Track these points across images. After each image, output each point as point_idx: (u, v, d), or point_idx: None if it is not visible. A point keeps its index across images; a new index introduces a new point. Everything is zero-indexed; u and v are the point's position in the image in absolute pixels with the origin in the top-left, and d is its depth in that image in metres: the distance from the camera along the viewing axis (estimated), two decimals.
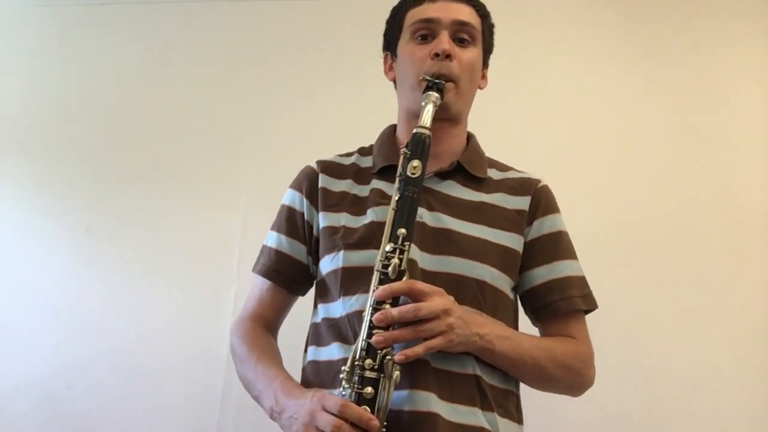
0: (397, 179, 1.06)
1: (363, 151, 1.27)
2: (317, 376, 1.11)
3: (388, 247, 1.00)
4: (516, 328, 1.18)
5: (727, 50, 1.99)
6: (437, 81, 1.12)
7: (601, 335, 1.81)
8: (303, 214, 1.21)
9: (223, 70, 2.15)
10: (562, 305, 1.16)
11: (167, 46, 2.19)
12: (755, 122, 1.94)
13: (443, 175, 1.18)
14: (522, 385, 1.17)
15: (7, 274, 2.05)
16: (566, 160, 1.96)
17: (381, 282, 0.99)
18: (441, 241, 1.10)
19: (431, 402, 1.01)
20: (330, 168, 1.24)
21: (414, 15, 1.20)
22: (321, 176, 1.22)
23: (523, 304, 1.21)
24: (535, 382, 1.14)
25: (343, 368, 0.97)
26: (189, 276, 1.98)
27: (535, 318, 1.20)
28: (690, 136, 1.95)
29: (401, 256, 0.99)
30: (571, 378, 1.16)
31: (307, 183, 1.23)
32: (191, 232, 2.01)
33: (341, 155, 1.28)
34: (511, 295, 1.16)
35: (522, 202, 1.19)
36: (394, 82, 1.27)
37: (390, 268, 0.99)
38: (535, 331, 1.21)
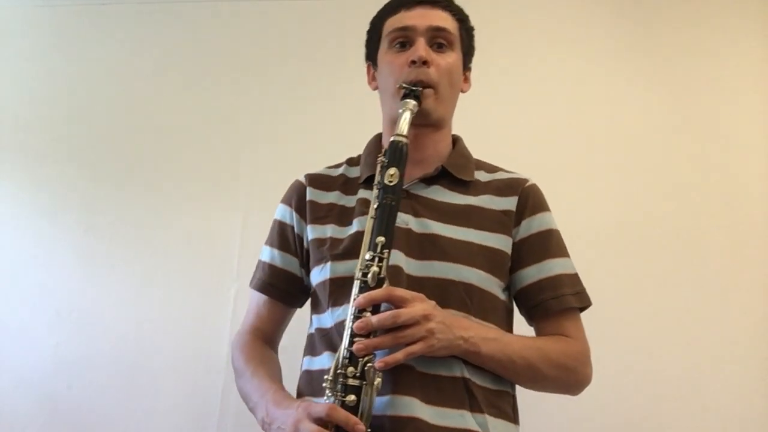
0: (375, 188, 1.06)
1: (351, 162, 1.29)
2: (309, 385, 1.13)
3: (367, 256, 1.01)
4: (510, 329, 1.18)
5: (727, 50, 1.99)
6: (414, 88, 1.13)
7: (600, 335, 1.81)
8: (293, 227, 1.23)
9: (223, 70, 2.15)
10: (554, 304, 1.16)
11: (167, 46, 2.19)
12: (755, 122, 1.94)
13: (429, 181, 1.19)
14: (524, 387, 1.17)
15: (7, 274, 2.05)
16: (566, 160, 1.96)
17: (361, 290, 1.00)
18: (427, 247, 1.11)
19: (414, 406, 1.02)
20: (317, 181, 1.26)
21: (391, 24, 1.21)
22: (309, 189, 1.24)
23: (517, 305, 1.21)
24: (528, 382, 1.14)
25: (326, 377, 0.99)
26: (189, 276, 1.98)
27: (529, 318, 1.20)
28: (690, 136, 1.95)
29: (380, 264, 1.00)
30: (566, 377, 1.16)
31: (296, 197, 1.25)
32: (191, 232, 2.01)
33: (330, 167, 1.30)
34: (502, 297, 1.16)
35: (509, 203, 1.19)
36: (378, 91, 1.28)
37: (369, 276, 1.00)
38: (531, 332, 1.21)
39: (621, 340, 1.81)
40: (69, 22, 2.24)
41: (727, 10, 2.00)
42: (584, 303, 1.20)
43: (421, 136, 1.17)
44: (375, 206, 1.05)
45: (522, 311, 1.21)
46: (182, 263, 1.99)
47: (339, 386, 0.97)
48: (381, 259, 1.00)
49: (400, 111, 1.11)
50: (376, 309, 1.00)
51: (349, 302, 1.04)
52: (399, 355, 0.98)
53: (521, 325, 1.22)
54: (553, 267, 1.17)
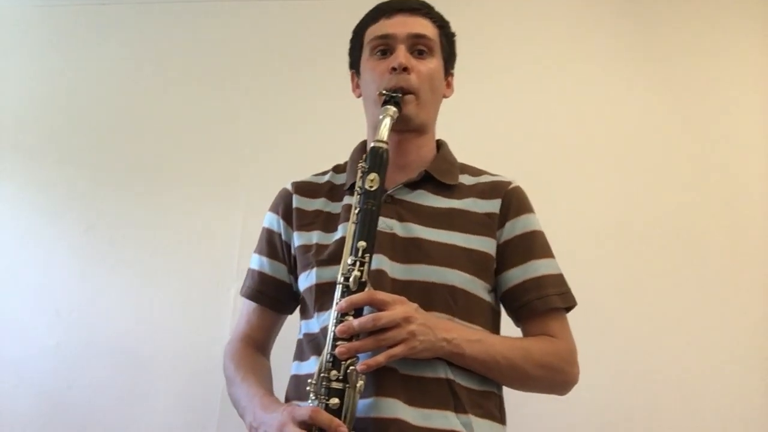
0: (356, 193, 1.08)
1: (337, 169, 1.30)
2: (297, 390, 1.14)
3: (349, 260, 1.03)
4: (497, 330, 1.19)
5: (726, 50, 1.99)
6: (393, 95, 1.14)
7: (600, 335, 1.83)
8: (281, 235, 1.25)
9: (223, 70, 2.15)
10: (539, 304, 1.16)
11: (167, 46, 2.19)
12: (755, 122, 1.94)
13: (413, 185, 1.20)
14: (511, 387, 1.17)
15: (7, 274, 2.05)
16: (567, 161, 1.96)
17: (343, 294, 1.02)
18: (411, 250, 1.12)
19: (396, 408, 1.03)
20: (304, 188, 1.27)
21: (372, 32, 1.23)
22: (295, 197, 1.26)
23: (504, 307, 1.22)
24: (514, 382, 1.15)
25: (309, 380, 1.00)
26: (189, 276, 1.98)
27: (516, 319, 1.21)
28: (690, 136, 1.95)
29: (362, 268, 1.02)
30: (552, 376, 1.16)
31: (283, 205, 1.26)
32: (191, 232, 2.01)
33: (316, 174, 1.31)
34: (487, 299, 1.17)
35: (492, 205, 1.20)
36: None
37: (351, 280, 1.01)
38: (519, 333, 1.21)
39: (621, 340, 1.82)
40: (69, 22, 2.24)
41: (727, 10, 2.00)
42: (569, 303, 1.20)
43: (404, 142, 1.19)
44: (356, 211, 1.06)
45: (508, 312, 1.22)
46: (182, 263, 1.99)
47: (322, 389, 0.98)
48: (362, 264, 1.02)
49: (381, 117, 1.12)
50: (358, 313, 1.01)
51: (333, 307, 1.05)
52: (380, 358, 0.99)
53: (509, 327, 1.22)
54: (537, 268, 1.18)
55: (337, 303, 1.02)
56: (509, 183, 1.24)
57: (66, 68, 2.20)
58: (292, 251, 1.23)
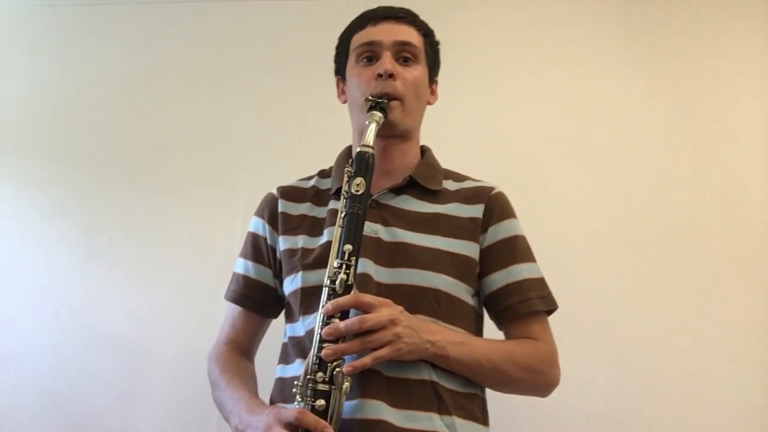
0: (342, 197, 1.09)
1: (322, 174, 1.32)
2: (282, 392, 1.15)
3: (335, 264, 1.04)
4: (479, 334, 1.21)
5: (726, 51, 1.99)
6: (379, 100, 1.16)
7: (600, 335, 1.83)
8: (266, 239, 1.26)
9: (223, 70, 2.15)
10: (521, 307, 1.18)
11: (167, 47, 2.19)
12: (755, 122, 1.94)
13: (397, 191, 1.22)
14: (493, 389, 1.19)
15: (7, 274, 2.05)
16: (567, 161, 1.96)
17: (330, 297, 1.03)
18: (396, 255, 1.14)
19: (381, 410, 1.04)
20: (289, 193, 1.28)
21: (358, 39, 1.25)
22: (280, 201, 1.27)
23: (486, 310, 1.24)
24: (497, 384, 1.17)
25: (296, 382, 1.01)
26: (189, 276, 1.98)
27: (498, 322, 1.23)
28: (690, 137, 1.95)
29: (348, 271, 1.03)
30: (533, 378, 1.18)
31: (268, 209, 1.28)
32: (191, 232, 2.01)
33: (302, 179, 1.33)
34: (470, 302, 1.19)
35: (475, 210, 1.22)
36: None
37: (337, 283, 1.02)
38: (501, 337, 1.23)
39: (621, 340, 1.82)
40: (69, 22, 2.24)
41: (727, 11, 2.00)
42: (550, 306, 1.22)
43: (389, 147, 1.21)
44: (342, 215, 1.07)
45: (491, 315, 1.24)
46: (182, 263, 1.99)
47: (309, 391, 0.99)
48: (348, 267, 1.03)
49: (367, 122, 1.14)
50: (344, 315, 1.03)
51: (318, 310, 1.06)
52: (366, 360, 1.00)
53: (491, 331, 1.24)
54: (519, 272, 1.20)
55: (323, 306, 1.03)
56: (492, 188, 1.26)
57: (66, 68, 2.20)
58: (278, 255, 1.24)
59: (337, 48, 1.32)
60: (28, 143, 2.15)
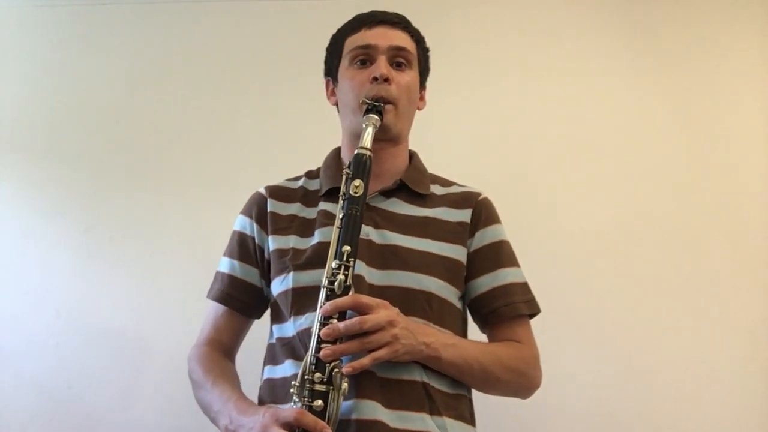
0: (341, 199, 1.10)
1: (310, 175, 1.32)
2: (271, 393, 1.15)
3: (333, 264, 1.05)
4: (465, 336, 1.22)
5: (726, 51, 1.99)
6: (377, 104, 1.17)
7: (600, 335, 1.83)
8: (254, 238, 1.26)
9: (223, 70, 2.15)
10: (507, 311, 1.21)
11: (167, 46, 2.19)
12: (755, 122, 1.94)
13: (387, 194, 1.23)
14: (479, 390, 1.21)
15: (7, 275, 2.04)
16: (567, 161, 1.97)
17: (328, 298, 1.04)
18: (387, 257, 1.15)
19: (376, 410, 1.05)
20: (278, 193, 1.29)
21: (353, 42, 1.25)
22: (269, 201, 1.27)
23: (471, 313, 1.25)
24: (484, 386, 1.19)
25: (293, 383, 1.01)
26: (189, 276, 1.97)
27: (482, 325, 1.25)
28: (690, 136, 1.96)
29: (346, 272, 1.04)
30: (518, 380, 1.20)
31: (256, 208, 1.28)
32: (191, 231, 2.01)
33: (289, 179, 1.33)
34: (458, 305, 1.21)
35: (464, 215, 1.24)
36: (337, 106, 1.32)
37: (336, 284, 1.03)
38: (484, 339, 1.25)
39: (620, 340, 1.82)
40: (69, 22, 2.23)
41: (726, 10, 2.00)
42: (534, 310, 1.25)
43: (380, 151, 1.21)
44: (340, 216, 1.08)
45: (475, 318, 1.26)
46: (182, 263, 1.99)
47: (306, 392, 1.00)
48: (347, 268, 1.04)
49: (364, 125, 1.15)
50: (341, 316, 1.03)
51: (312, 311, 1.07)
52: (365, 361, 1.01)
53: (473, 333, 1.26)
54: (505, 276, 1.22)
55: (321, 306, 1.03)
56: (479, 194, 1.29)
57: (66, 68, 2.20)
58: (266, 255, 1.23)
59: (329, 49, 1.33)
60: (27, 143, 2.15)
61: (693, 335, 1.81)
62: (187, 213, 2.02)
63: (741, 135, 1.94)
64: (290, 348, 1.15)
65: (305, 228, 1.21)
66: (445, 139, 1.97)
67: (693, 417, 1.76)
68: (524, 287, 1.25)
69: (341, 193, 1.11)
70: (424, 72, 1.32)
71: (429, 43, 1.33)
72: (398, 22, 1.27)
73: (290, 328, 1.15)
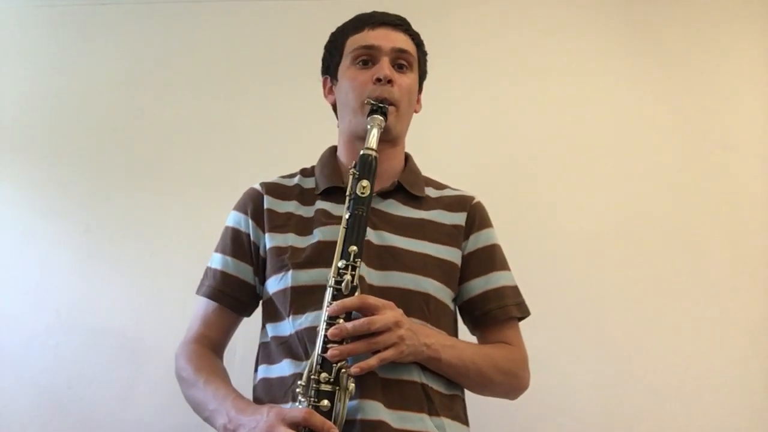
0: (347, 198, 1.10)
1: (305, 173, 1.32)
2: (268, 393, 1.14)
3: (340, 264, 1.05)
4: (456, 337, 1.23)
5: (726, 51, 1.99)
6: (381, 105, 1.17)
7: (600, 336, 1.83)
8: (249, 235, 1.25)
9: (223, 70, 2.15)
10: (499, 313, 1.23)
11: (167, 46, 2.19)
12: (755, 122, 1.94)
13: (384, 195, 1.23)
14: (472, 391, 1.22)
15: (7, 275, 2.04)
16: (567, 161, 1.97)
17: (334, 298, 1.03)
18: (386, 258, 1.15)
19: (379, 410, 1.05)
20: (274, 190, 1.28)
21: (355, 41, 1.25)
22: (266, 198, 1.26)
23: (461, 314, 1.27)
24: (477, 387, 1.20)
25: (299, 383, 1.01)
26: (189, 276, 1.96)
27: (473, 326, 1.26)
28: (690, 137, 1.96)
29: (353, 273, 1.04)
30: (509, 382, 1.21)
31: (252, 205, 1.27)
32: (191, 231, 2.01)
33: (284, 177, 1.33)
34: (451, 307, 1.22)
35: (459, 218, 1.25)
36: (333, 105, 1.32)
37: (343, 285, 1.03)
38: (473, 340, 1.27)
39: (620, 340, 1.82)
40: (69, 22, 2.23)
41: (726, 10, 2.00)
42: (524, 313, 1.27)
43: (380, 152, 1.21)
44: (347, 216, 1.08)
45: (465, 320, 1.27)
46: (182, 263, 1.99)
47: (312, 391, 0.99)
48: (354, 268, 1.04)
49: (369, 126, 1.16)
50: (347, 316, 1.03)
51: (312, 310, 1.08)
52: (373, 361, 1.02)
53: (462, 333, 1.27)
54: (498, 279, 1.24)
55: (328, 306, 1.03)
56: (473, 198, 1.30)
57: (66, 68, 2.20)
58: (261, 253, 1.23)
59: (329, 47, 1.33)
60: (27, 143, 2.15)
61: (693, 335, 1.80)
62: (187, 213, 2.02)
63: (741, 135, 1.94)
64: (287, 347, 1.14)
65: (303, 226, 1.21)
66: (445, 140, 1.97)
67: (693, 417, 1.76)
68: (515, 290, 1.27)
69: (347, 193, 1.11)
70: (422, 75, 1.33)
71: (427, 43, 1.34)
72: (400, 24, 1.28)
73: (287, 326, 1.15)
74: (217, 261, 1.27)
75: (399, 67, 1.24)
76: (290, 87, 2.09)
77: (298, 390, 1.00)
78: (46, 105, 2.18)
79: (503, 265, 1.27)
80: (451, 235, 1.23)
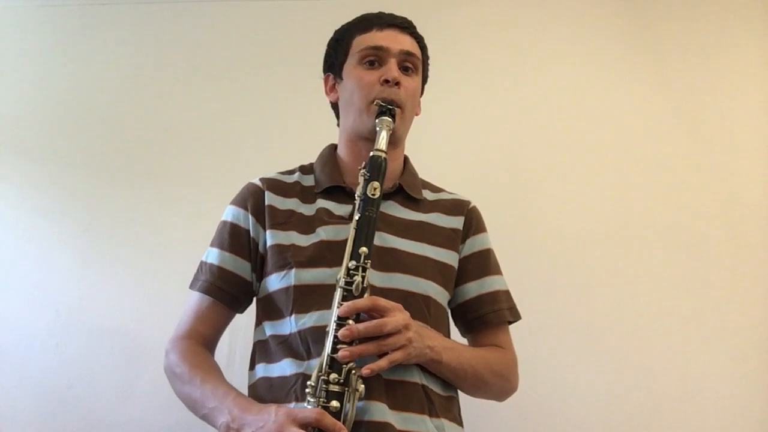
0: (358, 199, 1.10)
1: (304, 170, 1.31)
2: (270, 392, 1.13)
3: (351, 264, 1.05)
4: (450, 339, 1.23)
5: (727, 50, 1.99)
6: (390, 107, 1.17)
7: (600, 336, 1.83)
8: (248, 231, 1.23)
9: (223, 70, 2.15)
10: (493, 317, 1.24)
11: (167, 46, 2.19)
12: (755, 122, 1.94)
13: (385, 196, 1.21)
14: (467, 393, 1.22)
15: (7, 274, 2.04)
16: (567, 161, 1.97)
17: (344, 298, 1.03)
18: (387, 259, 1.15)
19: (384, 412, 1.05)
20: (275, 186, 1.26)
21: (362, 41, 1.25)
22: (267, 194, 1.25)
23: (453, 316, 1.27)
24: (472, 388, 1.21)
25: (308, 383, 1.00)
26: (189, 276, 1.96)
27: (466, 329, 1.27)
28: (690, 137, 1.95)
29: (363, 274, 1.04)
30: (502, 384, 1.23)
31: (253, 200, 1.25)
32: (191, 231, 2.00)
33: (283, 173, 1.32)
34: (447, 309, 1.24)
35: (456, 222, 1.26)
36: (334, 103, 1.32)
37: (354, 286, 1.03)
38: (463, 342, 1.28)
39: (620, 341, 1.82)
40: (69, 22, 2.24)
41: (726, 10, 2.00)
42: (516, 317, 1.28)
43: None
44: (357, 217, 1.08)
45: (457, 322, 1.28)
46: (182, 263, 1.97)
47: (321, 392, 0.99)
48: (364, 269, 1.05)
49: (378, 128, 1.16)
50: (356, 317, 1.03)
51: (316, 310, 1.09)
52: (382, 363, 1.02)
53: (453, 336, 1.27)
54: (492, 284, 1.25)
55: (338, 306, 1.03)
56: (469, 202, 1.31)
57: (66, 68, 2.20)
58: (260, 249, 1.21)
59: (333, 45, 1.32)
60: (28, 143, 2.15)
61: (693, 335, 1.80)
62: (186, 213, 2.02)
63: (741, 135, 1.94)
64: (288, 346, 1.13)
65: (305, 224, 1.20)
66: (444, 140, 1.97)
67: (693, 417, 1.76)
68: (508, 295, 1.28)
69: (357, 194, 1.11)
70: (424, 79, 1.33)
71: (427, 42, 1.34)
72: (407, 26, 1.28)
73: (288, 325, 1.14)
74: (213, 256, 1.24)
75: (405, 70, 1.24)
76: (290, 87, 2.09)
77: (307, 390, 1.00)
78: (47, 105, 2.18)
79: (497, 270, 1.29)
80: (450, 238, 1.24)
